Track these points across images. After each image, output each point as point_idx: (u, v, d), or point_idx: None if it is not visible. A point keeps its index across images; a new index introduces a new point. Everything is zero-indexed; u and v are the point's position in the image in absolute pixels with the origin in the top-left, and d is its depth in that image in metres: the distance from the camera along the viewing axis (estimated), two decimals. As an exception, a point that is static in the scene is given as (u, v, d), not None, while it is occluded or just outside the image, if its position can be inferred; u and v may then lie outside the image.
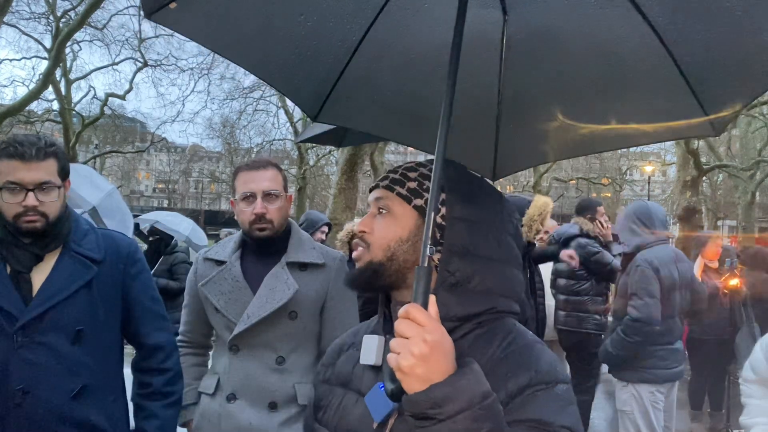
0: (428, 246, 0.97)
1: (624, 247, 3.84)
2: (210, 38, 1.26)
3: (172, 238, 6.46)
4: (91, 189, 4.54)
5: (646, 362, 3.51)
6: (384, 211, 1.13)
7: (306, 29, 1.25)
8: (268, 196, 2.13)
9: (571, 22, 1.22)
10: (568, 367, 5.05)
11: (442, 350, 0.89)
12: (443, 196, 1.09)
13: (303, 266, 2.18)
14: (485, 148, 1.47)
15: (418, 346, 0.87)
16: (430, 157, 1.13)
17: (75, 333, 1.81)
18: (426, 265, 0.96)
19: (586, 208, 5.07)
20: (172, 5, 1.10)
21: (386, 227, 1.11)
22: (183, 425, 2.27)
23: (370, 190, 1.17)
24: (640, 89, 1.30)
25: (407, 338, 0.88)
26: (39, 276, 1.81)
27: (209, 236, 9.38)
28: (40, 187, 1.77)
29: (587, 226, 4.87)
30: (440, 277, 1.05)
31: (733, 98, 1.24)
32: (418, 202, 1.10)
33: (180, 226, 6.94)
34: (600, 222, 4.89)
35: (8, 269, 1.80)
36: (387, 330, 1.11)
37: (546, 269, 4.70)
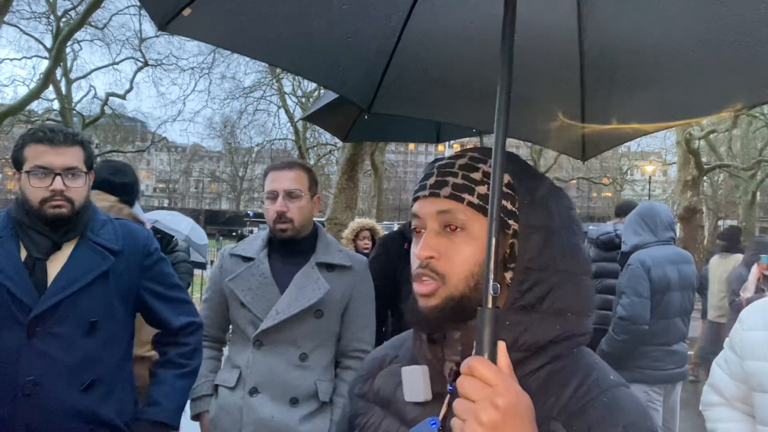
0: (491, 282, 0.79)
1: (623, 246, 3.84)
2: (236, 41, 1.16)
3: (173, 237, 6.45)
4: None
5: (638, 362, 3.52)
6: (456, 228, 0.90)
7: (343, 13, 1.13)
8: (289, 195, 2.20)
9: None
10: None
11: (518, 416, 0.72)
12: (517, 201, 0.91)
13: (330, 267, 2.25)
14: (570, 124, 1.28)
15: (487, 413, 0.71)
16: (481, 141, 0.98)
17: (89, 324, 1.79)
18: (490, 305, 0.78)
19: (629, 209, 5.01)
20: (186, 12, 1.01)
21: (464, 250, 0.89)
22: (195, 418, 2.31)
23: (414, 200, 0.96)
24: (719, 66, 1.10)
25: (473, 401, 0.72)
26: (55, 264, 1.79)
27: (209, 235, 9.39)
28: (68, 172, 1.77)
29: None
30: (511, 298, 0.88)
31: None
32: None
33: (180, 226, 6.92)
34: None
35: (23, 255, 1.78)
36: (428, 356, 0.94)
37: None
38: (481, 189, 0.90)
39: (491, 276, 0.79)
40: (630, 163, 34.60)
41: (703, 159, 17.18)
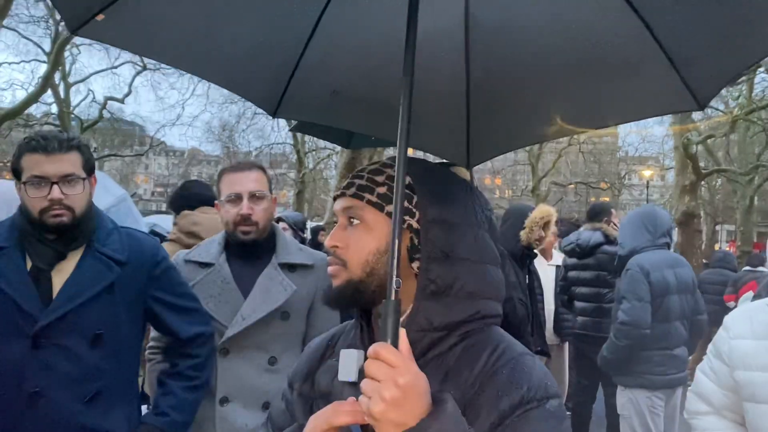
0: (394, 277, 0.90)
1: (618, 249, 3.82)
2: (146, 46, 1.21)
3: (172, 240, 6.44)
4: (102, 194, 4.54)
5: (641, 367, 3.51)
6: (356, 222, 1.05)
7: (251, 24, 1.19)
8: (253, 197, 2.13)
9: (540, 3, 1.17)
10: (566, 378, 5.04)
11: (416, 392, 0.83)
12: (415, 198, 1.03)
13: (292, 267, 2.19)
14: (457, 135, 1.40)
15: (390, 391, 0.81)
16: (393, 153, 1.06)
17: (94, 336, 1.77)
18: (393, 298, 0.89)
19: (600, 213, 4.98)
20: (100, 17, 1.04)
21: (361, 240, 1.04)
22: None
23: (334, 199, 1.10)
24: (619, 68, 1.23)
25: (378, 381, 0.82)
26: (60, 275, 1.77)
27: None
28: (65, 179, 1.74)
29: (610, 232, 4.74)
30: (420, 285, 1.00)
31: (718, 75, 1.17)
32: (391, 208, 1.01)
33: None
34: (615, 225, 4.83)
35: (28, 265, 1.76)
36: (366, 343, 1.05)
37: (543, 274, 4.67)
38: (381, 189, 1.05)
39: (395, 272, 0.90)
40: (628, 167, 34.61)
41: (701, 164, 17.20)
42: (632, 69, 1.21)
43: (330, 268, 1.07)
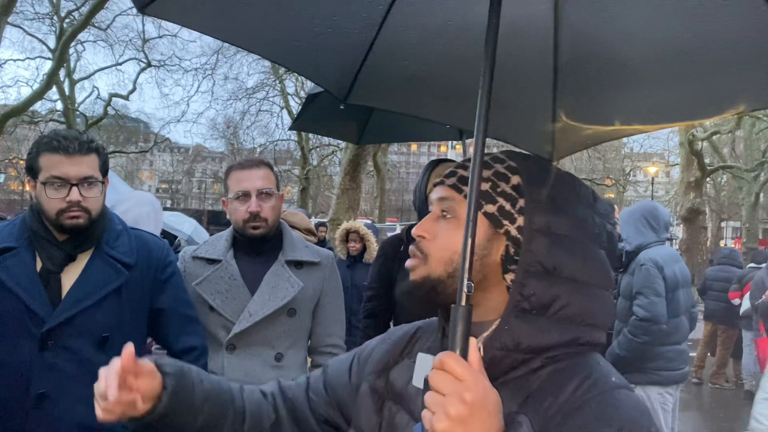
0: (465, 281, 0.83)
1: (625, 245, 3.79)
2: (214, 26, 1.16)
3: (176, 237, 6.47)
4: (109, 192, 4.56)
5: (655, 363, 3.46)
6: (449, 216, 0.95)
7: (323, 5, 1.14)
8: (262, 194, 2.13)
9: None
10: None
11: (484, 410, 0.75)
12: (521, 202, 0.92)
13: (299, 264, 2.20)
14: (541, 126, 1.29)
15: (455, 407, 0.73)
16: (510, 147, 0.97)
17: (101, 339, 1.76)
18: (464, 303, 0.82)
19: None
20: None
21: (449, 236, 0.93)
22: None
23: (434, 185, 1.00)
24: (742, 60, 1.07)
25: (443, 395, 0.75)
26: (69, 277, 1.76)
27: (211, 236, 9.40)
28: (84, 182, 1.73)
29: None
30: (512, 300, 0.89)
31: None
32: (491, 208, 0.92)
33: (183, 226, 6.96)
34: (616, 221, 4.84)
35: (38, 266, 1.76)
36: (446, 348, 0.96)
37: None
38: (484, 186, 0.93)
39: (465, 275, 0.83)
40: (633, 164, 34.53)
41: (707, 160, 17.15)
42: (754, 61, 1.07)
43: (409, 261, 0.97)
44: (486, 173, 0.94)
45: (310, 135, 24.51)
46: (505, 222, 0.91)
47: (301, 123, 3.27)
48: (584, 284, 0.90)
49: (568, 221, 0.91)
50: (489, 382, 0.78)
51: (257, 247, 2.18)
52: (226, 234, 2.27)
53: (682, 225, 15.55)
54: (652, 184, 29.00)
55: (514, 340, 0.87)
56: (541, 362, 0.88)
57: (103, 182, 1.80)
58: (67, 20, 17.58)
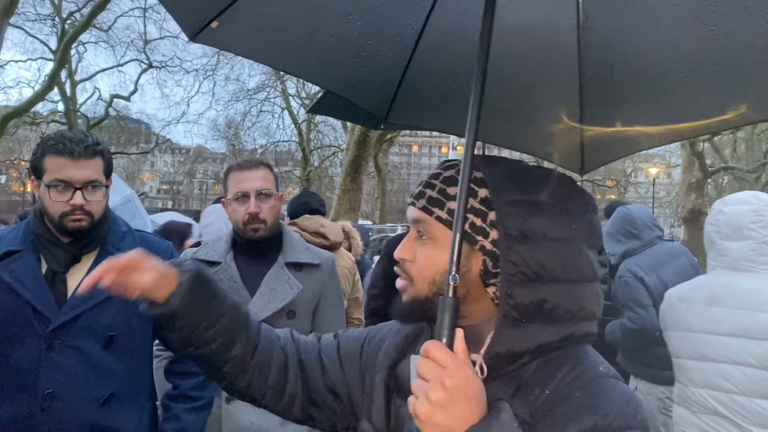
0: (451, 274, 0.86)
1: (611, 257, 3.62)
2: (259, 52, 1.21)
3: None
4: (110, 193, 4.58)
5: (660, 363, 3.07)
6: (424, 237, 0.97)
7: (357, 29, 1.18)
8: (261, 195, 2.13)
9: None
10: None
11: (465, 396, 0.78)
12: (491, 215, 0.92)
13: (298, 266, 2.19)
14: (569, 139, 1.30)
15: (436, 393, 0.77)
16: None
17: (107, 338, 1.77)
18: (450, 295, 0.85)
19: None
20: (214, 24, 1.08)
21: (428, 258, 0.96)
22: None
23: (408, 204, 1.02)
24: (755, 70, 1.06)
25: (427, 381, 0.79)
26: (74, 277, 1.77)
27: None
28: (88, 185, 1.74)
29: None
30: (501, 312, 0.90)
31: None
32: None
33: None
34: None
35: (43, 267, 1.77)
36: None
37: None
38: (452, 204, 0.93)
39: (453, 267, 0.86)
40: (634, 165, 34.49)
41: (708, 161, 17.14)
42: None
43: (399, 283, 1.01)
44: (452, 190, 0.95)
45: (312, 136, 24.56)
46: (479, 238, 0.92)
47: (318, 106, 3.24)
48: (568, 282, 0.91)
49: (543, 221, 0.91)
50: (472, 371, 0.82)
51: (257, 248, 2.18)
52: (225, 236, 2.27)
53: (683, 226, 15.52)
54: (653, 185, 28.99)
55: (509, 350, 0.89)
56: (532, 357, 0.90)
57: (106, 185, 1.81)
58: (68, 21, 17.61)
